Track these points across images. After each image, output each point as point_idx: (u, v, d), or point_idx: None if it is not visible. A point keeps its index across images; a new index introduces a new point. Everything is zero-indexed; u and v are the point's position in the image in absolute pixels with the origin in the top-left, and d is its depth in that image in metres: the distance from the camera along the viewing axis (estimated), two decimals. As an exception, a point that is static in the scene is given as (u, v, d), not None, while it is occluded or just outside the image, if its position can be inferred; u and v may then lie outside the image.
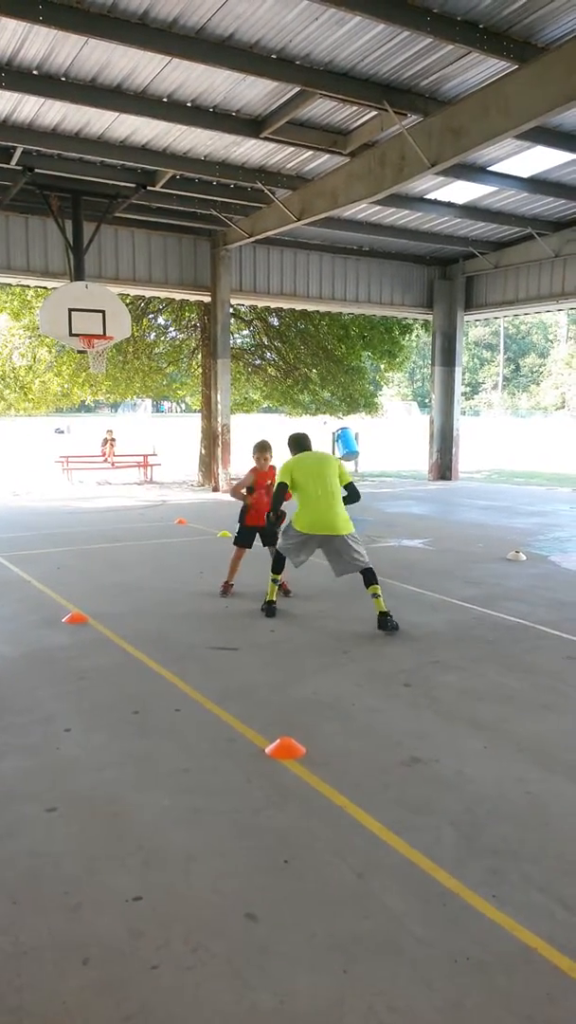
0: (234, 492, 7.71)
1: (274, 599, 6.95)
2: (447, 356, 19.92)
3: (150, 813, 3.54)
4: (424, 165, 10.30)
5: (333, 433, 23.80)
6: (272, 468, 7.58)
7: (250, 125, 11.04)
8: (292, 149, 12.01)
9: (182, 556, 9.78)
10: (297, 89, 9.86)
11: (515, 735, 4.43)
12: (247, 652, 5.88)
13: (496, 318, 23.30)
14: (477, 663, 5.65)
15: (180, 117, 10.61)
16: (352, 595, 7.47)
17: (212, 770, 3.96)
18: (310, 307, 18.93)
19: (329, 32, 8.52)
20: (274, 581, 6.96)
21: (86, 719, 4.61)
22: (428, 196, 14.46)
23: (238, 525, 7.71)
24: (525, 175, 13.22)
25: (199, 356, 19.48)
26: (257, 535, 7.61)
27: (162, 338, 20.88)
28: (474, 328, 68.04)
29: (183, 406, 57.65)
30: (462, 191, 14.06)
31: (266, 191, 13.41)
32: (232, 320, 18.32)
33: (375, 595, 6.40)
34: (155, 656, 5.76)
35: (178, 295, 17.45)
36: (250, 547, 7.64)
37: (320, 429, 28.73)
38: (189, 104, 10.50)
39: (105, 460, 22.18)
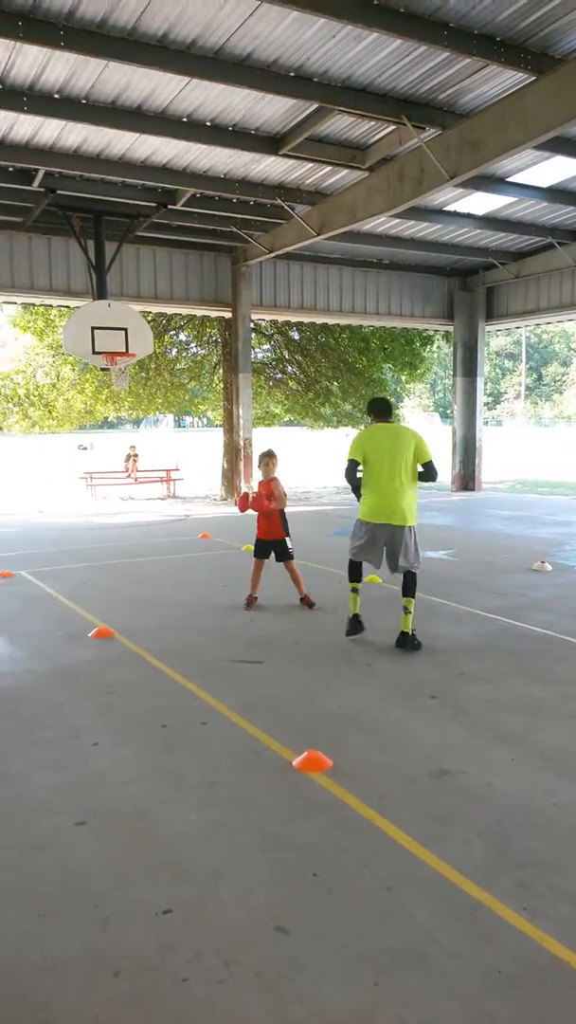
0: (243, 505, 7.71)
1: (358, 611, 6.50)
2: (468, 367, 19.89)
3: (178, 827, 3.55)
4: (443, 178, 10.33)
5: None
6: (275, 479, 7.57)
7: (269, 142, 11.14)
8: (311, 165, 12.10)
9: (206, 570, 9.82)
10: (315, 106, 9.95)
11: (542, 746, 4.40)
12: (272, 665, 5.89)
13: (517, 328, 23.23)
14: (503, 674, 5.62)
15: (200, 136, 10.74)
16: (375, 607, 7.46)
17: (239, 783, 3.97)
18: (331, 321, 19.01)
19: (346, 49, 8.59)
20: (353, 591, 6.50)
21: (114, 733, 4.64)
22: (447, 208, 14.49)
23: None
24: (544, 185, 13.21)
25: (220, 371, 19.61)
26: (272, 551, 7.57)
27: (183, 354, 21.06)
28: (495, 338, 67.86)
29: (204, 421, 57.92)
30: (481, 202, 14.08)
31: (286, 207, 13.52)
32: (252, 334, 18.43)
33: (406, 609, 6.09)
34: (181, 670, 5.78)
35: (199, 312, 17.61)
36: (267, 558, 7.62)
37: (343, 441, 28.84)
38: (209, 123, 10.63)
39: (128, 476, 22.34)
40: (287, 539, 7.57)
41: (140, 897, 3.03)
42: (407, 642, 6.07)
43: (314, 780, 3.97)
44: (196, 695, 5.26)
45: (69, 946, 2.75)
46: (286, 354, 21.18)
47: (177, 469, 22.61)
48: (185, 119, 10.46)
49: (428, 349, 22.01)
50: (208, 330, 19.95)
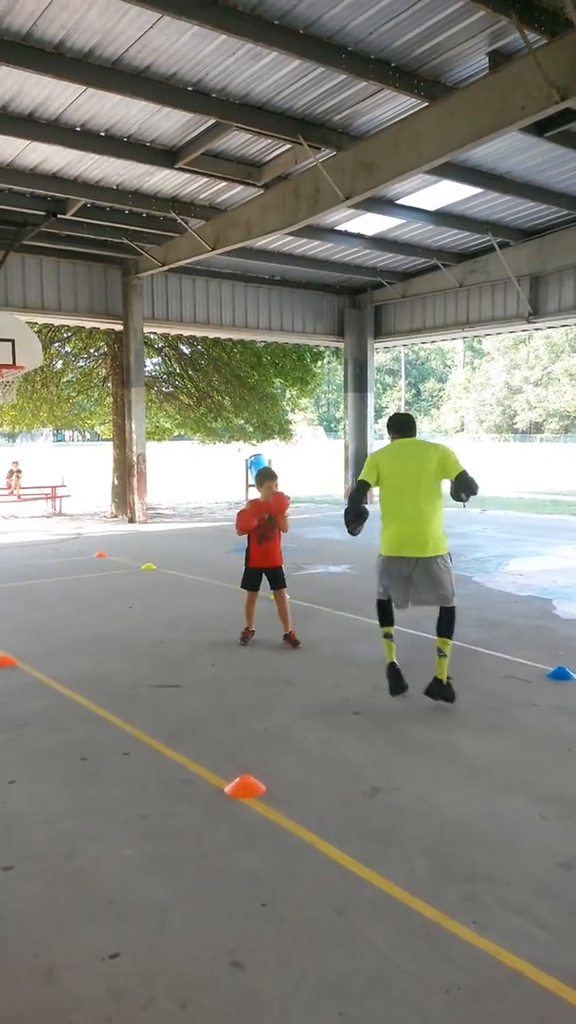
0: (240, 528, 6.81)
1: (394, 659, 5.47)
2: (359, 383, 20.32)
3: (114, 864, 3.40)
4: (338, 198, 10.52)
5: (246, 460, 23.88)
6: (278, 496, 6.77)
7: (164, 155, 11.05)
8: (206, 180, 12.08)
9: (107, 591, 9.54)
10: (213, 121, 9.95)
11: (468, 757, 4.49)
12: (190, 689, 5.76)
13: (405, 345, 23.94)
14: (419, 687, 5.68)
15: (93, 146, 10.54)
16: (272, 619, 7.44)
17: (172, 814, 3.85)
18: (223, 335, 18.99)
19: (245, 66, 8.64)
20: (386, 636, 5.47)
21: (31, 769, 4.41)
22: (338, 227, 14.79)
23: (244, 567, 7.00)
24: (431, 208, 13.70)
25: (109, 384, 19.22)
26: (267, 578, 6.88)
27: (70, 366, 20.50)
28: (377, 354, 69.82)
29: (87, 435, 56.44)
30: (371, 223, 14.45)
31: (179, 220, 13.43)
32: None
33: (441, 652, 5.15)
34: (94, 698, 5.57)
35: (89, 323, 17.21)
36: (257, 590, 6.93)
37: (235, 456, 28.84)
38: (103, 133, 10.44)
39: (11, 492, 21.50)
40: (283, 565, 6.89)
41: (84, 941, 2.88)
42: (440, 690, 5.14)
43: (249, 806, 3.89)
44: (114, 724, 5.08)
45: (14, 1000, 2.58)
46: (177, 368, 20.99)
47: (63, 485, 21.95)
48: (79, 128, 10.24)
49: (319, 364, 22.35)
50: (96, 342, 19.52)
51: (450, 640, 5.17)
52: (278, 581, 6.80)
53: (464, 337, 20.29)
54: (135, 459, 17.06)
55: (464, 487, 5.10)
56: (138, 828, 3.71)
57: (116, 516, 18.74)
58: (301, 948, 2.84)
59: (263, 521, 6.75)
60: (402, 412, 5.63)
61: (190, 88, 9.10)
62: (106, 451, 21.35)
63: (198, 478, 32.26)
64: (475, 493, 5.15)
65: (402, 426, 5.44)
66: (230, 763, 4.37)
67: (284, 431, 22.11)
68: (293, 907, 3.08)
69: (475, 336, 21.88)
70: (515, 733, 4.84)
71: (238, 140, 10.73)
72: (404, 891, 3.17)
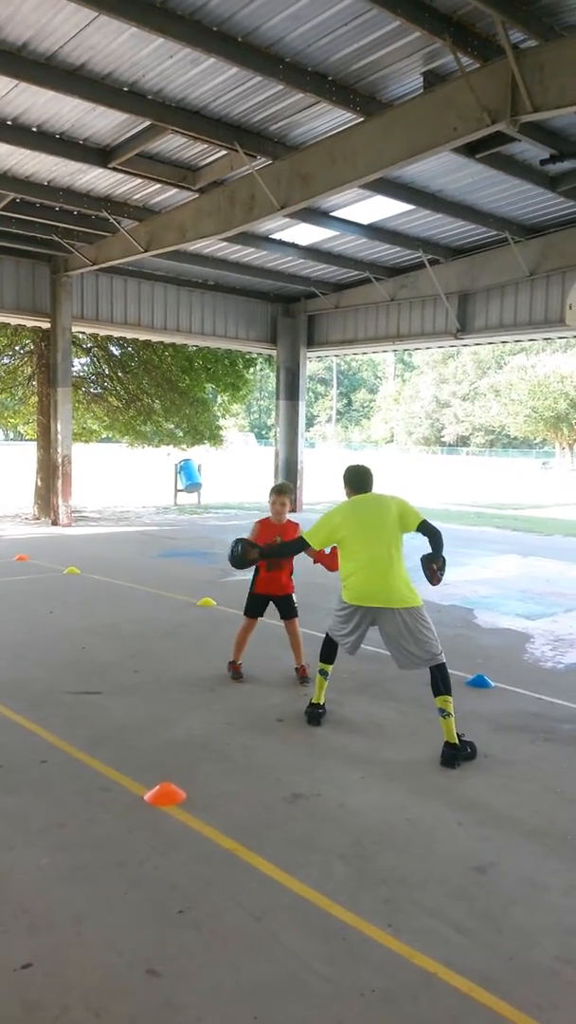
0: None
1: (322, 701, 5.22)
2: (291, 391, 20.41)
3: (29, 874, 3.32)
4: (273, 207, 10.57)
5: (175, 465, 23.71)
6: (290, 523, 6.35)
7: (98, 154, 10.91)
8: (140, 181, 11.97)
9: (28, 595, 9.31)
10: (148, 123, 9.87)
11: (389, 764, 4.55)
12: (111, 695, 5.68)
13: (337, 355, 24.17)
14: (344, 694, 5.76)
15: (25, 141, 10.32)
16: (213, 629, 7.42)
17: (89, 823, 3.78)
18: (155, 338, 18.81)
19: (183, 70, 8.61)
20: (322, 674, 5.19)
21: (-56, 775, 4.28)
22: (273, 236, 14.84)
23: (248, 591, 6.34)
24: (365, 222, 13.88)
25: (35, 383, 18.82)
26: (274, 606, 6.25)
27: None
28: (309, 363, 70.40)
29: (9, 434, 55.06)
30: (305, 233, 14.55)
31: (112, 220, 13.27)
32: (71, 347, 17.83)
33: (443, 712, 4.60)
34: (11, 704, 5.43)
35: (14, 320, 16.81)
36: (259, 616, 6.27)
37: (164, 460, 28.57)
38: (35, 129, 10.25)
39: None
40: (293, 593, 6.29)
41: (-6, 955, 2.81)
42: (458, 755, 4.58)
43: (169, 814, 3.86)
44: (31, 731, 4.96)
45: None
46: (106, 369, 20.69)
47: (-19, 485, 21.36)
48: (10, 122, 10.02)
49: (251, 371, 22.35)
50: (22, 339, 19.08)
51: (450, 697, 4.61)
52: (289, 611, 6.19)
53: (394, 350, 20.57)
54: (60, 460, 16.72)
55: (431, 536, 4.87)
56: (55, 837, 3.64)
57: (39, 519, 18.32)
58: (218, 955, 2.83)
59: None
60: (359, 465, 5.21)
61: (126, 88, 9.02)
62: (29, 451, 20.86)
63: (126, 482, 31.83)
64: (442, 545, 4.91)
65: (361, 483, 5.08)
66: (151, 771, 4.32)
67: (214, 436, 22.02)
68: (211, 914, 3.07)
69: (405, 349, 22.25)
70: (434, 740, 4.91)
71: (174, 143, 10.68)
72: (322, 896, 3.19)
